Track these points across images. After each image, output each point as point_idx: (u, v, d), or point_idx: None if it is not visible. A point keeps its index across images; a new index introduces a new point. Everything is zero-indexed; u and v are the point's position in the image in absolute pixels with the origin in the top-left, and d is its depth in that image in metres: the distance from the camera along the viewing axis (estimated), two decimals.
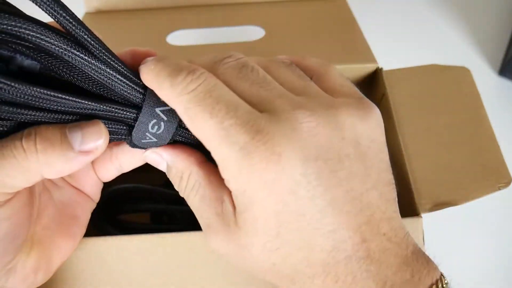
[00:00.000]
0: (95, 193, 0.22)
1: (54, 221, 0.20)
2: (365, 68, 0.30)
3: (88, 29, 0.16)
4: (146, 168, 0.29)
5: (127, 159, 0.20)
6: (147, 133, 0.18)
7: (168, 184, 0.34)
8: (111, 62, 0.16)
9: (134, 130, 0.17)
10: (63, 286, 0.22)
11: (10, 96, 0.15)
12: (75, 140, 0.16)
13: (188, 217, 0.29)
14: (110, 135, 0.17)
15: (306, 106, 0.16)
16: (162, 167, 0.19)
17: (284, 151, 0.15)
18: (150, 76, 0.17)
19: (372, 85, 0.30)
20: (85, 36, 0.15)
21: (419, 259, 0.17)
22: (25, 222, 0.18)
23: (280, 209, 0.16)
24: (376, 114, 0.18)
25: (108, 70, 0.16)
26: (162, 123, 0.17)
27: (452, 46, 0.49)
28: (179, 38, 0.35)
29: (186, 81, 0.16)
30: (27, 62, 0.16)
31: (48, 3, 0.15)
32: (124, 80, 0.17)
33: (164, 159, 0.19)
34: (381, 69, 0.29)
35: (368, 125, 0.17)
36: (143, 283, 0.21)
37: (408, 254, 0.17)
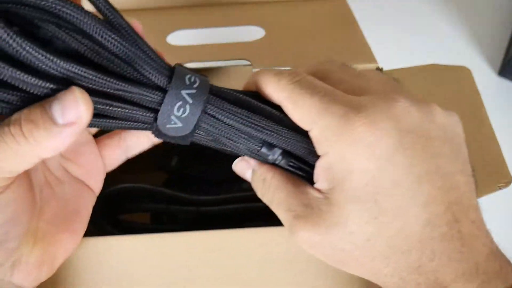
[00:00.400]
0: (98, 184, 0.22)
1: (57, 216, 0.20)
2: (365, 68, 0.30)
3: (120, 14, 0.17)
4: (146, 168, 0.29)
5: (135, 140, 0.21)
6: (172, 116, 0.18)
7: (168, 184, 0.34)
8: (140, 45, 0.17)
9: (159, 112, 0.18)
10: (63, 286, 0.22)
11: (52, 71, 0.15)
12: (57, 114, 0.16)
13: (187, 217, 0.30)
14: (137, 123, 0.18)
15: (402, 93, 0.18)
16: (248, 175, 0.21)
17: (381, 120, 0.16)
18: (259, 77, 0.19)
19: None
20: (118, 20, 0.17)
21: (502, 255, 0.17)
22: (27, 210, 0.18)
23: (378, 174, 0.16)
24: (458, 117, 0.19)
25: (137, 52, 0.17)
26: (187, 106, 0.18)
27: (452, 46, 0.49)
28: (179, 38, 0.35)
29: (290, 76, 0.18)
30: (62, 45, 0.16)
31: None
32: (151, 63, 0.17)
33: (251, 164, 0.20)
34: (381, 69, 0.30)
35: (453, 121, 0.18)
36: (143, 283, 0.21)
37: (493, 247, 0.17)
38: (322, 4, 0.38)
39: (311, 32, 0.34)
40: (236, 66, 0.31)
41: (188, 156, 0.34)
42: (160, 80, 0.17)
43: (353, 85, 0.19)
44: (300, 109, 0.18)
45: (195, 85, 0.18)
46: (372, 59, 0.30)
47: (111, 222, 0.28)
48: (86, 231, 0.27)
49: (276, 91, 0.19)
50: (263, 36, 0.34)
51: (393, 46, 0.46)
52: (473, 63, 0.46)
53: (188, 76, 0.18)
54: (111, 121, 0.18)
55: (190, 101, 0.18)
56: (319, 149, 0.17)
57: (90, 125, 0.17)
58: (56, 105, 0.16)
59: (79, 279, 0.22)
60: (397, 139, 0.16)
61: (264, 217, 0.29)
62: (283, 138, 0.19)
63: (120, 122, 0.18)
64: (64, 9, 0.15)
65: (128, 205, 0.29)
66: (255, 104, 0.19)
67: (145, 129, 0.18)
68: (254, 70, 0.30)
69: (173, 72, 0.18)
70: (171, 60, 0.32)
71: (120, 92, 0.17)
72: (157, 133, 0.19)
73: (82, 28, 0.16)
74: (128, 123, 0.18)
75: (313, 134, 0.18)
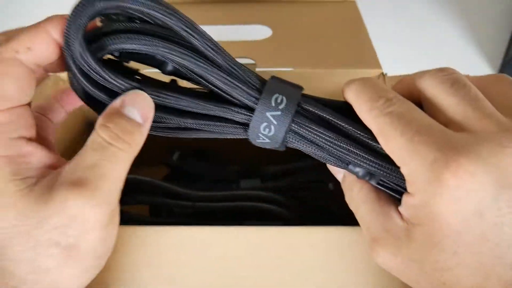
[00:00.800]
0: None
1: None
2: (369, 73, 0.30)
3: (217, 45, 0.19)
4: (149, 162, 0.30)
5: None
6: (259, 134, 0.19)
7: (168, 178, 0.35)
8: (233, 70, 0.19)
9: (248, 129, 0.19)
10: None
11: (173, 104, 0.19)
12: (138, 117, 0.18)
13: (183, 212, 0.30)
14: (232, 135, 0.20)
15: None
16: (339, 176, 0.21)
17: (478, 171, 0.15)
18: (351, 94, 0.19)
19: None
20: (213, 51, 0.18)
21: None
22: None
23: (463, 229, 0.15)
24: None
25: (229, 78, 0.19)
26: (272, 127, 0.19)
27: (452, 46, 0.49)
28: None
29: (382, 106, 0.17)
30: (169, 68, 0.19)
31: (187, 25, 0.18)
32: (242, 86, 0.19)
33: (342, 169, 0.20)
34: (385, 75, 0.29)
35: None
36: (133, 274, 0.22)
37: None
38: (331, 6, 0.38)
39: (318, 34, 0.34)
40: None
41: (190, 152, 0.35)
42: (249, 100, 0.19)
43: (511, 111, 0.17)
44: (390, 147, 0.17)
45: (281, 106, 0.18)
46: (376, 64, 0.30)
47: None
48: None
49: (367, 121, 0.18)
50: (270, 35, 0.34)
51: (393, 46, 0.46)
52: (473, 63, 0.46)
53: (275, 96, 0.19)
54: (208, 134, 0.20)
55: (275, 122, 0.19)
56: (408, 187, 0.17)
57: (193, 139, 0.20)
58: (133, 110, 0.18)
59: None
60: (492, 195, 0.15)
61: (259, 216, 0.30)
62: (370, 164, 0.18)
63: (217, 134, 0.20)
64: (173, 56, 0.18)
65: (125, 196, 0.29)
66: (344, 127, 0.19)
67: (240, 136, 0.20)
68: (258, 69, 0.31)
69: (263, 89, 0.19)
70: None
71: (213, 113, 0.19)
72: (254, 142, 0.20)
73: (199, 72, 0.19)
74: (224, 135, 0.20)
75: (403, 172, 0.17)
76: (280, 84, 0.19)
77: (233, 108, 0.19)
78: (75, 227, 0.17)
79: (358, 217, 0.19)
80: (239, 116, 0.19)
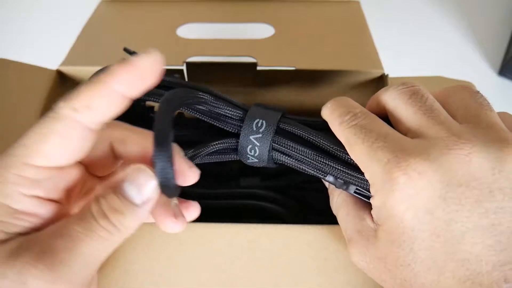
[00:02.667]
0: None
1: None
2: (371, 74, 0.30)
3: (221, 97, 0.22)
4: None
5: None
6: (248, 155, 0.22)
7: None
8: (225, 110, 0.22)
9: (238, 152, 0.22)
10: None
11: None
12: (135, 196, 0.16)
13: None
14: (226, 156, 0.23)
15: (465, 135, 0.17)
16: (326, 184, 0.23)
17: (426, 170, 0.16)
18: (327, 113, 0.21)
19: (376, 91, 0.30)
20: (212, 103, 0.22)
21: None
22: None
23: (415, 225, 0.16)
24: None
25: (217, 116, 0.22)
26: (256, 148, 0.22)
27: (452, 46, 0.49)
28: (188, 31, 0.35)
29: (349, 120, 0.19)
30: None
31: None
32: (227, 121, 0.22)
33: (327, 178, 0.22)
34: (386, 76, 0.29)
35: None
36: (130, 270, 0.22)
37: None
38: (335, 6, 0.38)
39: (320, 34, 0.34)
40: (242, 63, 0.31)
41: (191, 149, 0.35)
42: (234, 129, 0.22)
43: (469, 115, 0.18)
44: (354, 154, 0.19)
45: (261, 129, 0.21)
46: (378, 65, 0.30)
47: None
48: None
49: (338, 134, 0.20)
50: (272, 34, 0.34)
51: (395, 46, 0.46)
52: (473, 63, 0.46)
53: (256, 121, 0.22)
54: (206, 158, 0.23)
55: (258, 143, 0.22)
56: (370, 189, 0.18)
57: (194, 162, 0.21)
58: (131, 188, 0.16)
59: None
60: (440, 193, 0.16)
61: (258, 214, 0.30)
62: (344, 174, 0.20)
63: (213, 157, 0.23)
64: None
65: None
66: (318, 142, 0.21)
67: (234, 159, 0.23)
68: (259, 68, 0.31)
69: (243, 122, 0.22)
70: (180, 53, 0.32)
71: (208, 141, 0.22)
72: (245, 163, 0.23)
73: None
74: (220, 156, 0.23)
75: (366, 176, 0.18)
76: (261, 110, 0.22)
77: (223, 140, 0.22)
78: None
79: (338, 220, 0.21)
80: (228, 144, 0.22)
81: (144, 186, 0.16)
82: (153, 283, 0.21)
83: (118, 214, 0.16)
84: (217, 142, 0.22)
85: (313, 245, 0.22)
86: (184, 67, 0.31)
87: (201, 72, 0.32)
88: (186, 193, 0.30)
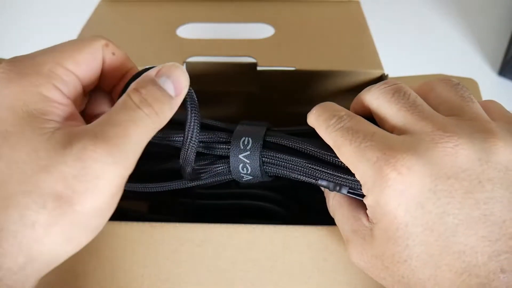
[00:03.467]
0: None
1: None
2: (371, 74, 0.30)
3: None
4: (147, 158, 0.30)
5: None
6: (241, 174, 0.23)
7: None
8: (205, 136, 0.23)
9: (231, 173, 0.23)
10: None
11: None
12: (170, 89, 0.19)
13: (182, 208, 0.30)
14: (224, 178, 0.23)
15: (449, 128, 0.17)
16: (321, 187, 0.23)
17: (414, 165, 0.16)
18: (312, 119, 0.21)
19: None
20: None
21: None
22: None
23: (409, 221, 0.16)
24: None
25: (210, 139, 0.23)
26: (247, 165, 0.22)
27: (452, 46, 0.49)
28: (188, 31, 0.35)
29: (335, 123, 0.19)
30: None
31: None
32: (214, 146, 0.23)
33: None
34: (386, 76, 0.29)
35: None
36: (129, 270, 0.22)
37: None
38: (335, 5, 0.38)
39: (320, 34, 0.34)
40: (241, 63, 0.31)
41: None
42: (222, 152, 0.23)
43: (452, 107, 0.18)
44: (343, 156, 0.19)
45: (248, 147, 0.22)
46: (378, 65, 0.30)
47: None
48: None
49: (325, 138, 0.20)
50: (272, 34, 0.34)
51: (395, 46, 0.46)
52: (473, 63, 0.46)
53: (242, 139, 0.22)
54: (204, 182, 0.24)
55: (248, 161, 0.22)
56: (362, 189, 0.18)
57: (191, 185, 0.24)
58: (168, 82, 0.19)
59: (66, 261, 0.22)
60: (430, 186, 0.16)
61: (257, 214, 0.30)
62: (335, 177, 0.20)
63: (211, 182, 0.24)
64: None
65: (124, 192, 0.29)
66: (305, 149, 0.21)
67: (229, 179, 0.24)
68: (259, 68, 0.31)
69: (230, 143, 0.22)
70: (180, 53, 0.32)
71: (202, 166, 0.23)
72: (240, 182, 0.23)
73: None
74: (217, 180, 0.24)
75: (356, 177, 0.18)
76: (246, 128, 0.23)
77: (215, 163, 0.23)
78: (84, 183, 0.16)
79: (335, 222, 0.21)
80: (220, 167, 0.23)
81: (178, 81, 0.19)
82: (152, 283, 0.21)
83: (160, 103, 0.18)
84: (210, 173, 0.23)
85: (312, 246, 0.22)
86: (184, 67, 0.31)
87: (201, 72, 0.32)
88: (186, 193, 0.30)
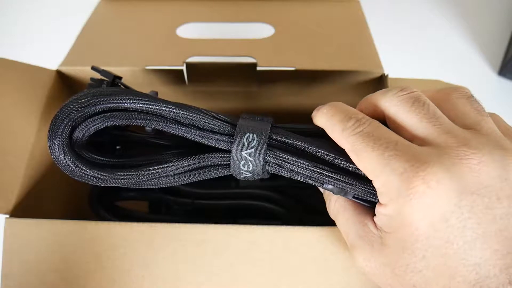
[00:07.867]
0: None
1: None
2: (371, 74, 0.30)
3: (187, 108, 0.21)
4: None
5: None
6: (241, 170, 0.21)
7: None
8: (205, 123, 0.21)
9: (230, 169, 0.21)
10: (51, 267, 0.22)
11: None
12: None
13: (182, 209, 0.30)
14: (220, 172, 0.22)
15: (472, 144, 0.17)
16: (320, 188, 0.23)
17: (442, 180, 0.16)
18: (323, 118, 0.20)
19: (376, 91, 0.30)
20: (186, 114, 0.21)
21: None
22: None
23: (430, 233, 0.17)
24: None
25: (203, 133, 0.21)
26: (250, 163, 0.21)
27: (452, 46, 0.49)
28: (188, 31, 0.35)
29: (353, 126, 0.19)
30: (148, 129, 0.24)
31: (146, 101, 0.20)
32: (216, 137, 0.21)
33: None
34: (386, 76, 0.29)
35: None
36: (127, 271, 0.22)
37: None
38: (335, 5, 0.38)
39: (320, 33, 0.34)
40: (241, 63, 0.31)
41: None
42: (224, 146, 0.21)
43: (469, 121, 0.19)
44: (362, 162, 0.18)
45: (253, 144, 0.21)
46: (378, 65, 0.30)
47: (107, 207, 0.28)
48: (83, 215, 0.27)
49: (340, 141, 0.19)
50: (272, 34, 0.34)
51: (395, 46, 0.46)
52: (473, 63, 0.46)
53: (246, 136, 0.21)
54: (200, 178, 0.22)
55: (251, 159, 0.21)
56: (380, 198, 0.18)
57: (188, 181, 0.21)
58: None
59: (67, 262, 0.22)
60: (455, 201, 0.16)
61: (257, 215, 0.30)
62: (341, 183, 0.20)
63: (206, 177, 0.22)
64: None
65: (124, 192, 0.29)
66: (312, 150, 0.20)
67: (227, 174, 0.22)
68: (259, 68, 0.31)
69: (233, 137, 0.21)
70: (180, 53, 0.32)
71: (196, 164, 0.21)
72: (238, 178, 0.22)
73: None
74: (212, 176, 0.22)
75: (375, 185, 0.18)
76: (249, 123, 0.21)
77: (212, 155, 0.21)
78: None
79: (338, 225, 0.21)
80: (219, 159, 0.21)
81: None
82: (153, 284, 0.21)
83: None
84: (209, 162, 0.22)
85: (312, 246, 0.22)
86: (184, 67, 0.31)
87: (201, 72, 0.32)
88: (185, 193, 0.30)
